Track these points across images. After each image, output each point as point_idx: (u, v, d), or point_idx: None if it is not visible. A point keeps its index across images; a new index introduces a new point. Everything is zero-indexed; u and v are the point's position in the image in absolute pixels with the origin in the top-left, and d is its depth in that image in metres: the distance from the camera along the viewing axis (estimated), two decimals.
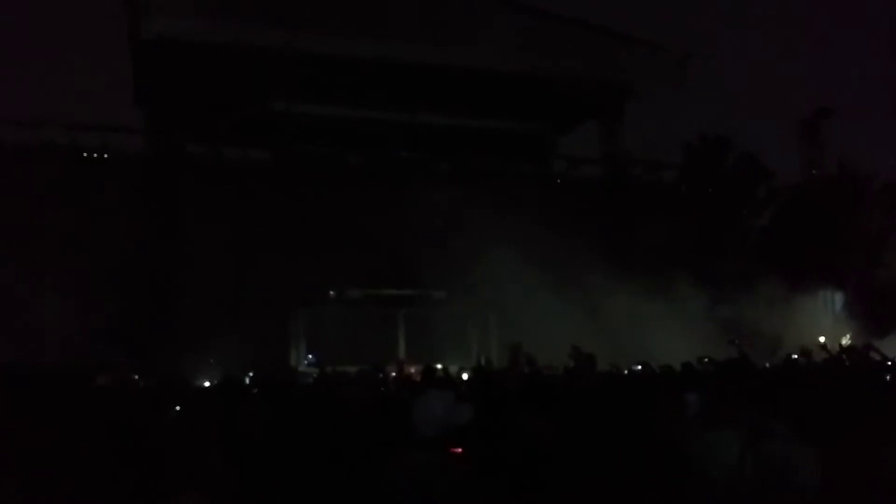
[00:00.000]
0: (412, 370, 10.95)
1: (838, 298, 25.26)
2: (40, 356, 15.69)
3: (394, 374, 11.97)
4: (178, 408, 7.52)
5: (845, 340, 20.40)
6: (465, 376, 11.80)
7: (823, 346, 11.49)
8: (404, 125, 25.28)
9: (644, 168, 27.14)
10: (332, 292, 23.19)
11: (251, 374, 16.60)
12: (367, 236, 24.05)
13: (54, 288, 17.73)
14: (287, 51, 21.97)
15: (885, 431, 4.20)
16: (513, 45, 22.55)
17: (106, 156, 22.25)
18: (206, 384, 12.42)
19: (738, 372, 2.22)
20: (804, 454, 2.10)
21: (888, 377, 7.12)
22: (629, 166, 26.48)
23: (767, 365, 10.92)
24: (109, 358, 15.89)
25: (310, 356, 18.53)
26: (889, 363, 9.33)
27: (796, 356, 10.80)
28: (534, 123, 26.32)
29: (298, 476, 4.82)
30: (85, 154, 22.10)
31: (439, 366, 11.67)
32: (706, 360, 9.32)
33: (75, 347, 16.71)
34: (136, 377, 11.74)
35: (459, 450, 4.91)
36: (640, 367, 9.59)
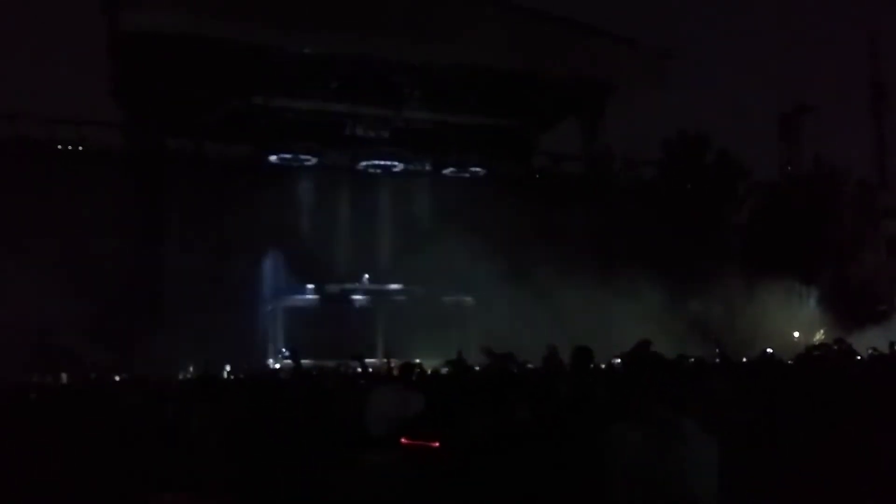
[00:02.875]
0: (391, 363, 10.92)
1: (813, 293, 25.56)
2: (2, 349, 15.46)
3: (370, 369, 11.96)
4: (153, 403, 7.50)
5: (820, 335, 20.68)
6: (444, 371, 11.78)
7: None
8: (387, 121, 25.27)
9: (624, 164, 27.30)
10: (310, 286, 23.14)
11: (228, 367, 16.60)
12: (346, 231, 24.03)
13: (25, 282, 17.47)
14: (268, 46, 21.90)
15: (842, 425, 4.29)
16: (495, 43, 22.54)
17: (82, 149, 22.10)
18: (184, 379, 12.37)
19: (648, 364, 2.18)
20: (711, 456, 2.08)
21: (854, 371, 7.24)
22: (610, 163, 26.62)
23: (745, 360, 11.03)
24: (74, 353, 15.76)
25: (284, 350, 18.48)
26: (858, 357, 9.48)
27: (770, 350, 10.88)
28: (516, 120, 26.38)
29: (277, 471, 4.80)
30: (60, 147, 21.93)
31: (417, 360, 11.66)
32: (692, 359, 9.37)
33: (39, 341, 16.55)
34: (94, 376, 11.69)
35: (436, 444, 4.90)
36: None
